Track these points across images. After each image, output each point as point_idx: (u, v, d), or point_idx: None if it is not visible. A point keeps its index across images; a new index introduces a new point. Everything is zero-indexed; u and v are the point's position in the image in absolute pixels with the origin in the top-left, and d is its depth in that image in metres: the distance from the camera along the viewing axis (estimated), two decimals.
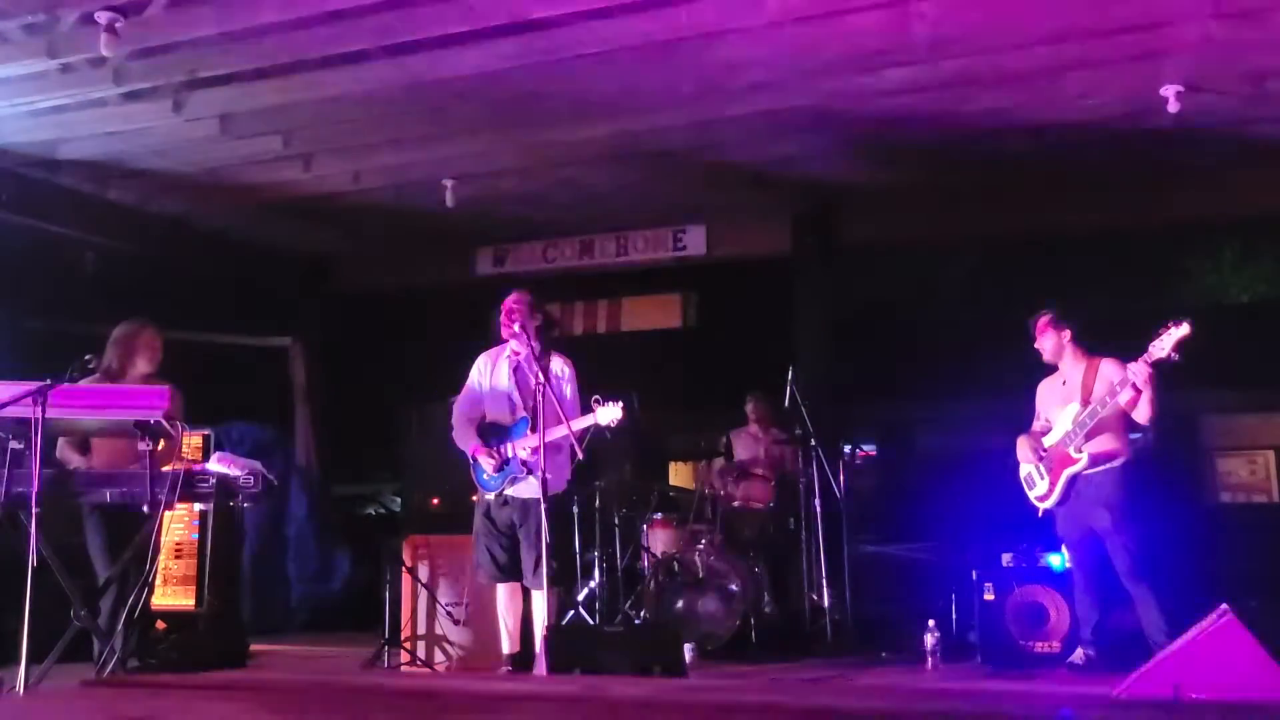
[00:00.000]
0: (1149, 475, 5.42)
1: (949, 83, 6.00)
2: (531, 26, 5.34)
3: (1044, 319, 5.54)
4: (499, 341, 5.46)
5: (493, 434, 5.36)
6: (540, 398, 4.97)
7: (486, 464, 5.27)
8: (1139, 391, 5.12)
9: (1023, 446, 5.58)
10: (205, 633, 6.19)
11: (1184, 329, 4.94)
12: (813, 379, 7.26)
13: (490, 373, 5.46)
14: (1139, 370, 5.05)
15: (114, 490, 4.61)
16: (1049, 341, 5.50)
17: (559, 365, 5.38)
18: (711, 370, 8.76)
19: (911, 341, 8.38)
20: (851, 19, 5.29)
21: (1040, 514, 5.55)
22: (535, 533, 5.08)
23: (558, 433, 4.97)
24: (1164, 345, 4.97)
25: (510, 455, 5.23)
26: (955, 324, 8.31)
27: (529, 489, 5.16)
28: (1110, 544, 5.26)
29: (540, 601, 5.09)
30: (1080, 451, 5.29)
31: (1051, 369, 5.60)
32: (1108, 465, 5.29)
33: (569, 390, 5.34)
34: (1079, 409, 5.34)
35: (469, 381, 5.51)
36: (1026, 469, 5.59)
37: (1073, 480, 5.35)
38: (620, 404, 5.05)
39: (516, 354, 5.36)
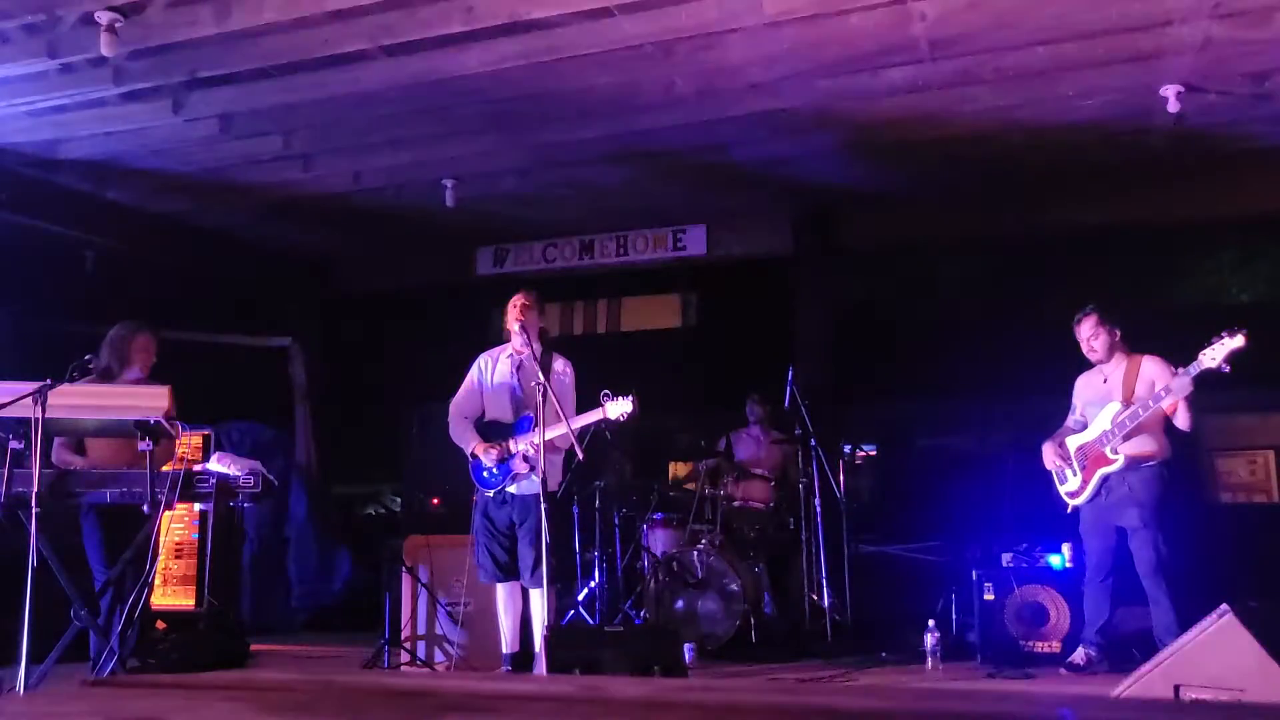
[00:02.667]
0: (1179, 475, 5.39)
1: (949, 83, 6.00)
2: (531, 26, 5.34)
3: (1092, 318, 5.46)
4: (500, 340, 5.49)
5: (493, 432, 5.37)
6: (540, 397, 4.98)
7: (488, 460, 5.28)
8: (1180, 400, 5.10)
9: (1049, 452, 5.56)
10: (205, 633, 6.19)
11: (1238, 340, 4.84)
12: (813, 379, 7.26)
13: (491, 371, 5.48)
14: (1183, 385, 5.01)
15: (113, 490, 4.61)
16: (1101, 340, 5.45)
17: (560, 365, 5.42)
18: (711, 370, 8.74)
19: (912, 341, 8.36)
20: (851, 19, 5.29)
21: (1070, 509, 5.54)
22: (534, 531, 5.10)
23: (559, 430, 4.98)
24: (1215, 355, 4.90)
25: (513, 451, 5.24)
26: (955, 324, 8.30)
27: (529, 486, 5.18)
28: (1137, 541, 5.24)
29: (539, 600, 5.09)
30: (1117, 453, 5.28)
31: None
32: (1142, 464, 5.28)
33: (569, 391, 5.37)
34: (1119, 408, 5.31)
35: (468, 380, 5.52)
36: (1055, 467, 5.59)
37: (1105, 479, 5.34)
38: (630, 398, 5.06)
39: (519, 353, 5.38)
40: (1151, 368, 5.32)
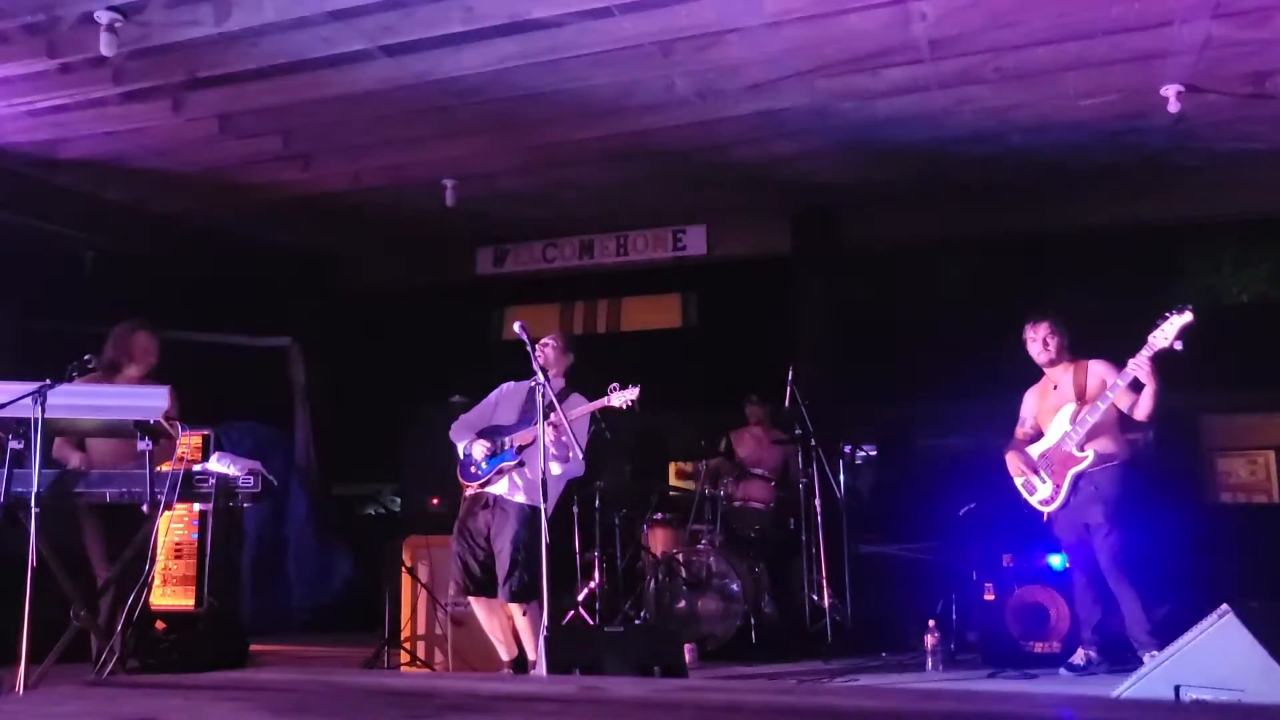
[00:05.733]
0: (1147, 476, 5.43)
1: (949, 83, 6.00)
2: (531, 26, 5.34)
3: (1048, 323, 5.50)
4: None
5: (492, 434, 5.37)
6: (541, 399, 4.96)
7: (479, 450, 5.26)
8: (1137, 390, 5.12)
9: (1014, 461, 5.55)
10: (205, 633, 6.18)
11: (1186, 316, 4.88)
12: (813, 379, 7.25)
13: (511, 394, 5.45)
14: (1140, 363, 5.02)
15: (113, 490, 4.60)
16: (1056, 342, 5.48)
17: (576, 400, 5.36)
18: (711, 370, 8.74)
19: (911, 341, 8.35)
20: (851, 19, 5.29)
21: (1045, 518, 5.53)
22: (511, 541, 5.07)
23: (555, 429, 4.96)
24: (1166, 334, 4.92)
25: (508, 446, 5.24)
26: (955, 324, 8.30)
27: (513, 491, 5.16)
28: (1099, 539, 5.27)
29: (520, 616, 5.09)
30: (1084, 449, 5.28)
31: (1039, 374, 5.61)
32: (1107, 464, 5.31)
33: (582, 424, 5.29)
34: (1075, 407, 5.34)
35: (486, 401, 5.50)
36: (1022, 478, 5.57)
37: (1078, 479, 5.34)
38: (636, 388, 5.05)
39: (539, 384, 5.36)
40: (1100, 368, 5.38)
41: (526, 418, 5.25)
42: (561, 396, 5.23)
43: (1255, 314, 8.02)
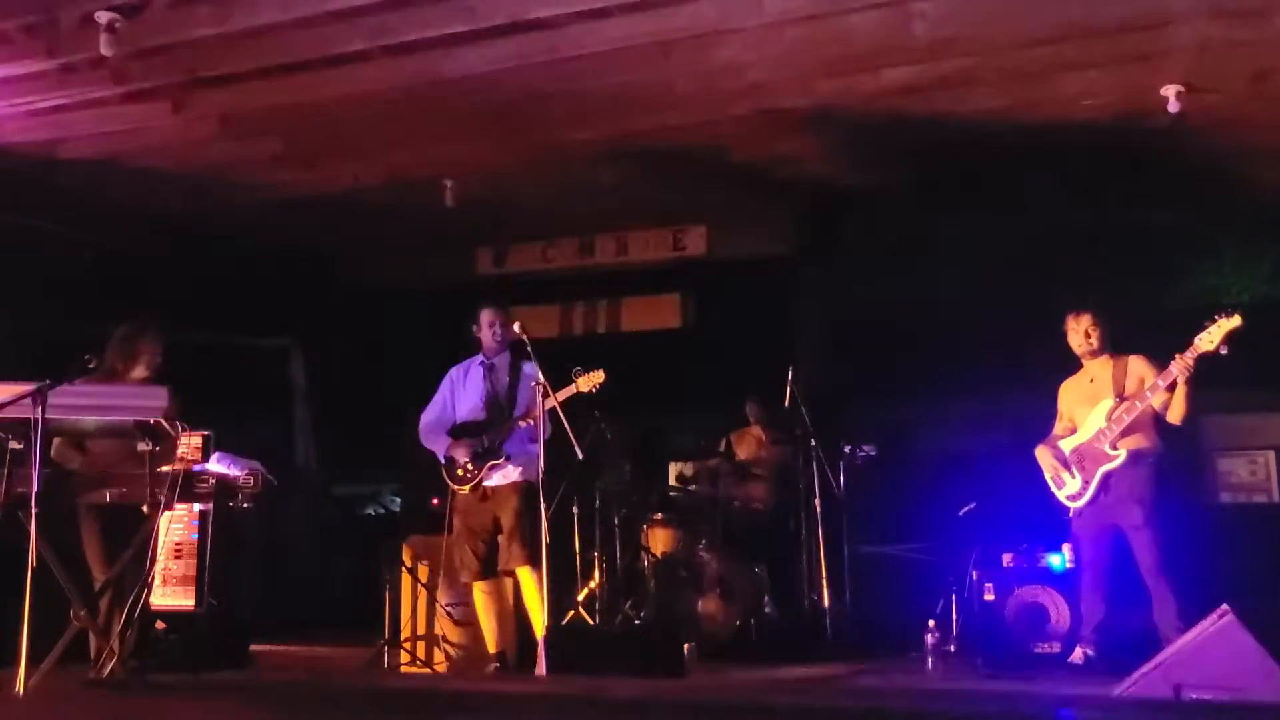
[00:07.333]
0: (1175, 473, 5.43)
1: (949, 83, 6.00)
2: (531, 26, 5.34)
3: (1090, 314, 5.48)
4: (475, 351, 5.65)
5: (467, 433, 5.51)
6: (540, 396, 5.07)
7: (461, 454, 5.41)
8: (1172, 390, 5.10)
9: (1046, 456, 5.54)
10: (205, 633, 6.18)
11: (1235, 320, 4.90)
12: (813, 379, 7.25)
13: (464, 381, 5.67)
14: (1184, 366, 5.01)
15: (113, 490, 4.60)
16: (1098, 335, 5.47)
17: (530, 369, 5.56)
18: (711, 370, 8.73)
19: (911, 341, 8.35)
20: (851, 19, 5.29)
21: (1071, 513, 5.53)
22: (517, 513, 5.25)
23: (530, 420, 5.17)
24: (1213, 338, 4.93)
25: (488, 444, 5.35)
26: (955, 324, 8.29)
27: (503, 477, 5.33)
28: (1137, 539, 5.24)
29: (531, 581, 5.15)
30: (1117, 448, 5.28)
31: (1074, 369, 5.59)
32: (1140, 463, 5.29)
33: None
34: (1112, 404, 5.32)
35: (440, 394, 5.72)
36: (1052, 472, 5.57)
37: (1108, 477, 5.33)
38: (601, 371, 5.21)
39: (489, 358, 5.60)
40: (1140, 365, 5.36)
41: (493, 404, 5.42)
42: (515, 370, 5.49)
43: (1256, 314, 8.01)
